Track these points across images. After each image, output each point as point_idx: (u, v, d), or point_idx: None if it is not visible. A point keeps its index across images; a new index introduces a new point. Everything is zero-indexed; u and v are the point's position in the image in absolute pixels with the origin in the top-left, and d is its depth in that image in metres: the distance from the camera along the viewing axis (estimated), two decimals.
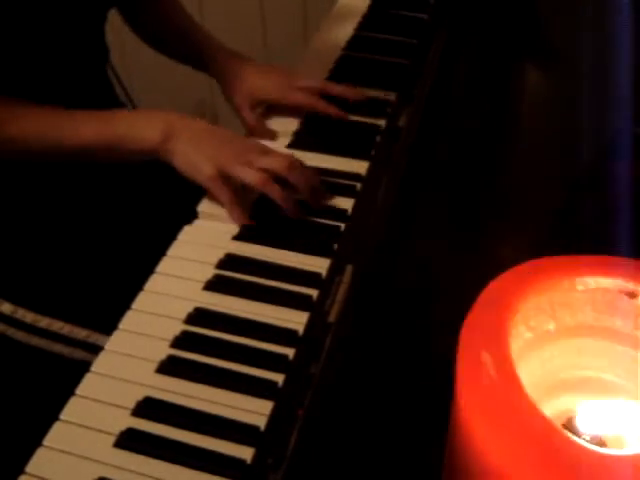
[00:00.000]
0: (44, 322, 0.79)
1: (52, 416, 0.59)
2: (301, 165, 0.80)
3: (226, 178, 0.77)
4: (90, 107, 0.81)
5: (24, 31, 0.80)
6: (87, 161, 0.82)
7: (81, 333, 0.78)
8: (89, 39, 0.91)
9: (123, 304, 0.68)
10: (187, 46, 1.00)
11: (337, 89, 0.93)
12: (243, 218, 0.77)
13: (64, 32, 0.85)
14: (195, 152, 0.77)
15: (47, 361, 0.79)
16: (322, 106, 0.91)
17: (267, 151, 0.80)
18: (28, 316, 0.79)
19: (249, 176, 0.76)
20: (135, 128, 0.78)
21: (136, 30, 1.05)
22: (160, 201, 0.96)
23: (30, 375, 0.81)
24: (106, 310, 0.69)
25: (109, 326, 0.66)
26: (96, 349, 0.65)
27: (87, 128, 0.79)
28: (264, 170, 0.77)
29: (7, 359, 0.81)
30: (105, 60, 0.98)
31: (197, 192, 0.80)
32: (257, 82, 0.93)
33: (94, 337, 0.78)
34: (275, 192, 0.76)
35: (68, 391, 0.61)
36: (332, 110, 0.91)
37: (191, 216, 0.79)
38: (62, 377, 0.67)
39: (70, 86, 0.90)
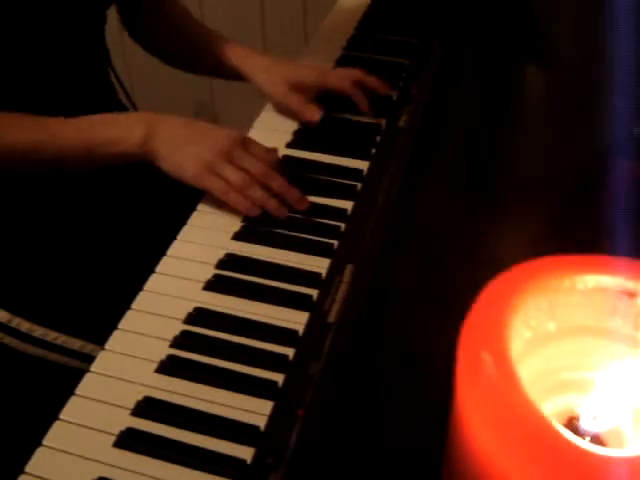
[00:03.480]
0: (39, 332, 0.78)
1: (50, 418, 0.59)
2: (278, 167, 0.80)
3: (213, 171, 0.77)
4: (92, 109, 0.80)
5: (23, 34, 0.80)
6: (69, 168, 0.80)
7: (76, 343, 0.78)
8: (89, 41, 0.91)
9: (119, 315, 0.68)
10: (197, 54, 0.99)
11: (370, 80, 0.94)
12: (244, 205, 0.77)
13: (63, 34, 0.84)
14: (178, 151, 0.77)
15: (44, 367, 0.79)
16: (357, 94, 0.92)
17: (248, 146, 0.80)
18: (24, 325, 0.79)
19: (231, 175, 0.77)
20: (116, 131, 0.77)
21: (135, 36, 1.04)
22: (158, 203, 0.96)
23: (28, 379, 0.81)
24: (102, 322, 0.69)
25: (104, 338, 0.66)
26: (91, 360, 0.64)
27: (67, 132, 0.77)
28: (243, 170, 0.77)
29: (4, 365, 0.80)
30: (106, 62, 0.97)
31: (195, 192, 0.80)
32: (290, 69, 0.94)
33: (89, 348, 0.78)
34: (238, 203, 0.77)
35: (66, 392, 0.61)
36: (363, 104, 0.92)
37: (190, 217, 0.79)
38: (60, 380, 0.67)
39: (72, 88, 0.89)
